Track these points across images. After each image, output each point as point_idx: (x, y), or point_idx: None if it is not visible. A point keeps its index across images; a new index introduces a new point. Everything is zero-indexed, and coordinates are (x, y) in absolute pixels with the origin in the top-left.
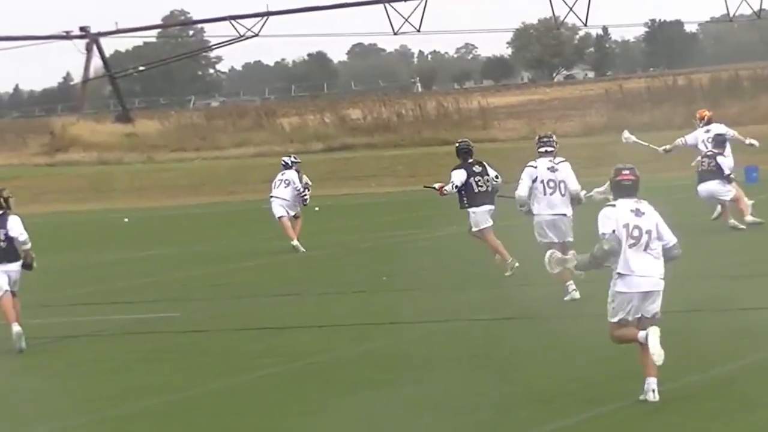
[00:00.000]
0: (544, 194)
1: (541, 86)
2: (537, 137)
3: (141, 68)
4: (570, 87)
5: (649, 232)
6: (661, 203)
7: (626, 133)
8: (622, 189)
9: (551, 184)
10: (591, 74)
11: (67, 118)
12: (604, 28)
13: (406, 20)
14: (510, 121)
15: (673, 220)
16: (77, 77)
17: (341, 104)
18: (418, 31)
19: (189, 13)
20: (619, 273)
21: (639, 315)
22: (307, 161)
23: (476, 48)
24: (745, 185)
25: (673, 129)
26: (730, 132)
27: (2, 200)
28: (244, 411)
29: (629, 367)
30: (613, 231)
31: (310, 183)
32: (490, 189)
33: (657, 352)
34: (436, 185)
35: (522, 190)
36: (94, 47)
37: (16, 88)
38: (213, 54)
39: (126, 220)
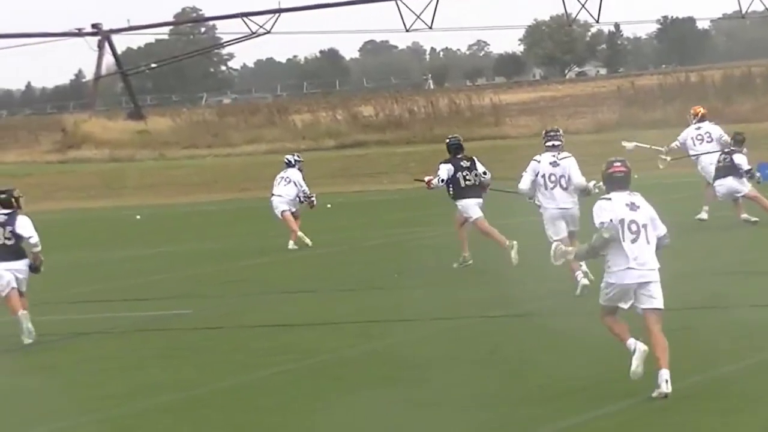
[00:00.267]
0: (545, 188)
1: (553, 83)
2: (544, 131)
3: (153, 65)
4: (582, 84)
5: (645, 225)
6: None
7: (625, 143)
8: (615, 181)
9: (552, 178)
10: (603, 71)
11: (79, 116)
12: (616, 25)
13: (418, 17)
14: (522, 118)
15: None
16: (89, 74)
17: (353, 101)
18: (430, 28)
19: (201, 10)
20: (614, 266)
21: (643, 307)
22: (319, 158)
23: (488, 45)
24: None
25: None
26: (720, 133)
27: (13, 200)
28: (255, 408)
29: (646, 365)
30: (611, 220)
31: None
32: (477, 183)
33: (636, 371)
34: (426, 178)
35: (523, 184)
36: (106, 44)
37: (29, 86)
38: (225, 51)
39: (138, 217)
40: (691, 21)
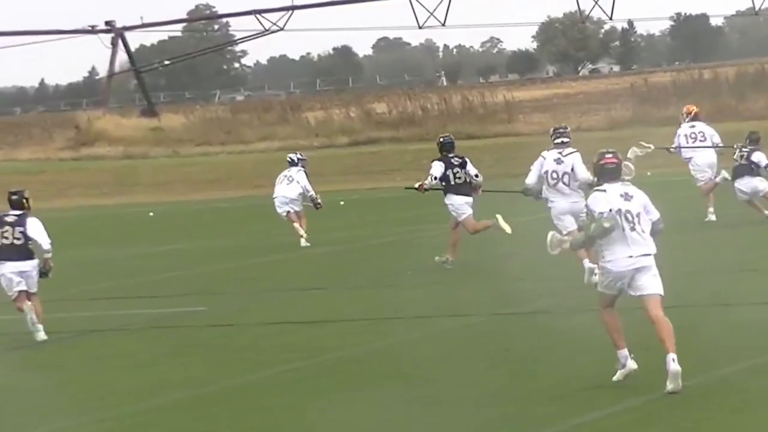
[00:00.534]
0: (549, 185)
1: (566, 80)
2: (552, 129)
3: (166, 62)
4: (595, 81)
5: (638, 215)
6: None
7: (631, 154)
8: (606, 172)
9: (554, 175)
10: (616, 68)
11: (92, 113)
12: (630, 22)
13: (431, 14)
14: (535, 115)
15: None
16: (103, 71)
17: (366, 98)
18: (443, 25)
19: (214, 7)
20: (609, 254)
21: (640, 293)
22: (333, 155)
23: (501, 42)
24: None
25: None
26: (712, 132)
27: (24, 200)
28: (264, 406)
29: (651, 361)
30: (610, 210)
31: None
32: (468, 181)
33: (618, 378)
34: (416, 184)
35: (529, 179)
36: (120, 41)
37: (42, 83)
38: (238, 48)
39: (151, 214)
40: (704, 18)
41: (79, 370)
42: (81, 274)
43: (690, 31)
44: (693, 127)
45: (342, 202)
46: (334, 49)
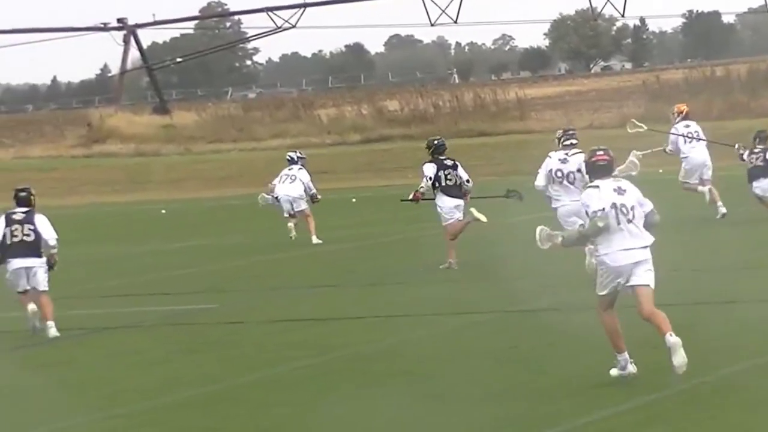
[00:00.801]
0: (553, 183)
1: (578, 77)
2: (562, 131)
3: (178, 60)
4: (607, 78)
5: (633, 207)
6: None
7: (633, 157)
8: (599, 169)
9: (559, 173)
10: (628, 65)
11: (104, 110)
12: (642, 19)
13: (444, 11)
14: (547, 113)
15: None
16: (115, 69)
17: (378, 95)
18: (455, 22)
19: (226, 4)
20: (604, 249)
21: (633, 284)
22: (345, 153)
23: (513, 39)
24: None
25: (710, 120)
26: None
27: (31, 197)
28: (277, 402)
29: (659, 359)
30: (603, 208)
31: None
32: (459, 183)
33: (613, 376)
34: (410, 196)
35: (539, 181)
36: (132, 39)
37: (54, 80)
38: (250, 45)
39: (163, 211)
40: (716, 15)
41: (91, 367)
42: (93, 271)
43: (702, 29)
44: (688, 126)
45: (354, 200)
46: (346, 46)
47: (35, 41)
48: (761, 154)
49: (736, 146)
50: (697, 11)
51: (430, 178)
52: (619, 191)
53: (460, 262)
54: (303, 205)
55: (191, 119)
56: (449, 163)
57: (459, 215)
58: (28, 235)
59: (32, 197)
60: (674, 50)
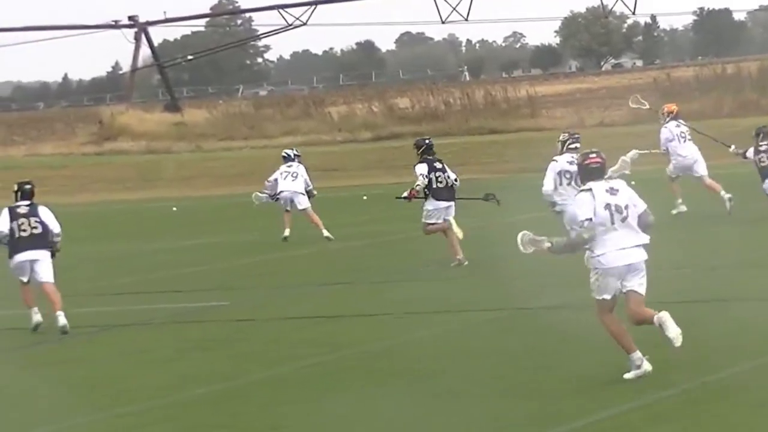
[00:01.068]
0: (561, 184)
1: (589, 75)
2: (568, 134)
3: (189, 57)
4: (618, 76)
5: (627, 206)
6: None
7: (626, 157)
8: (592, 172)
9: (567, 175)
10: (639, 63)
11: (115, 107)
12: (653, 17)
13: (454, 9)
14: (558, 110)
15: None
16: (126, 66)
17: (389, 93)
18: (466, 19)
19: (237, 2)
20: (599, 250)
21: (626, 289)
22: (356, 150)
23: (524, 37)
24: None
25: (721, 117)
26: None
27: (33, 190)
28: (291, 400)
29: (679, 357)
30: (590, 219)
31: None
32: (450, 185)
33: (631, 377)
34: (405, 194)
35: (547, 186)
36: (143, 36)
37: (65, 77)
38: (261, 43)
39: (174, 209)
40: (727, 12)
41: (101, 364)
42: (104, 269)
43: (713, 26)
44: (679, 126)
45: (365, 197)
46: (357, 43)
47: (46, 39)
48: None
49: (732, 148)
50: (708, 8)
51: (426, 176)
52: (612, 191)
53: (474, 259)
54: (305, 203)
55: (202, 117)
56: (438, 165)
57: (449, 216)
58: (35, 227)
59: (33, 190)
60: (685, 48)
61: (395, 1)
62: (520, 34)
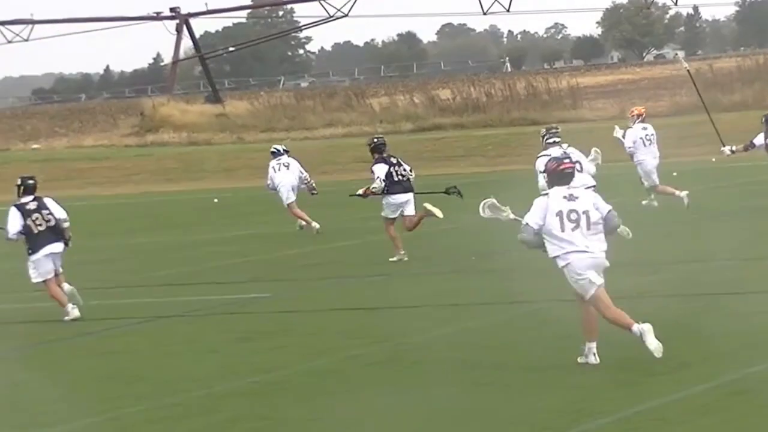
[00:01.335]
0: None
1: (630, 66)
2: (545, 129)
3: (231, 49)
4: (660, 67)
5: (586, 212)
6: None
7: (617, 133)
8: (564, 177)
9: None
10: (681, 54)
11: (157, 99)
12: (695, 8)
13: (496, 0)
14: (600, 101)
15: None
16: (167, 58)
17: (431, 84)
18: (508, 11)
19: None
20: (555, 252)
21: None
22: (397, 141)
23: (566, 28)
24: None
25: (763, 108)
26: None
27: (36, 185)
28: (332, 391)
29: (719, 348)
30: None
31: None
32: (408, 179)
33: (657, 348)
34: (360, 191)
35: (541, 181)
36: (184, 28)
37: (107, 69)
38: (302, 34)
39: (216, 200)
40: None
41: (144, 356)
42: (146, 261)
43: (755, 17)
44: (645, 129)
45: None
46: (398, 35)
47: (88, 30)
48: None
49: (726, 148)
50: None
51: (383, 180)
52: (570, 197)
53: (508, 252)
54: (293, 197)
55: (244, 108)
56: (394, 160)
57: (408, 210)
58: (48, 220)
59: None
60: (727, 38)
61: None
62: (562, 25)
